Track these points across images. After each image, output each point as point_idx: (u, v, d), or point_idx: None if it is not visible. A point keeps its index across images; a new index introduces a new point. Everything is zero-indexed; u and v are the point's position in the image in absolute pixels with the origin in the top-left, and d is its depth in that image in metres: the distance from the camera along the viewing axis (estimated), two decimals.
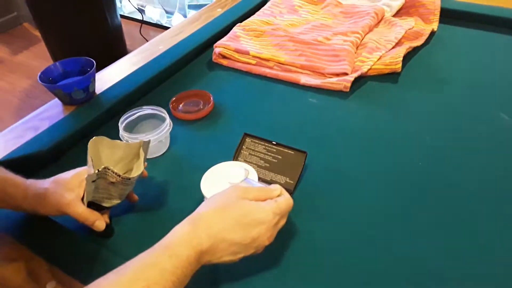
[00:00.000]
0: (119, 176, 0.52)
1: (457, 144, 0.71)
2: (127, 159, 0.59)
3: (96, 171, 0.50)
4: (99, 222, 0.54)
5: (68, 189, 0.54)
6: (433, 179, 0.64)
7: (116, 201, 0.57)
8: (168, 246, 0.43)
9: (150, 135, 0.67)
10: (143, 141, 0.58)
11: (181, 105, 0.83)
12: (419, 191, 0.62)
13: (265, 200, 0.49)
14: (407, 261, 0.53)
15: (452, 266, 0.52)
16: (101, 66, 0.93)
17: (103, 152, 0.57)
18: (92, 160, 0.53)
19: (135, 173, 0.56)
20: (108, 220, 0.57)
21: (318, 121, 0.79)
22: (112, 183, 0.53)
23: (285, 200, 0.50)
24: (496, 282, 0.50)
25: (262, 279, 0.51)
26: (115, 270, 0.40)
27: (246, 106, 0.84)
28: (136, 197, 0.62)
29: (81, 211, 0.53)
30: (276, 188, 0.51)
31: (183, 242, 0.43)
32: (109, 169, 0.51)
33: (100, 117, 0.79)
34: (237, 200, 0.48)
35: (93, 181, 0.51)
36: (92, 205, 0.55)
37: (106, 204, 0.56)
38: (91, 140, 0.54)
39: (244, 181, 0.56)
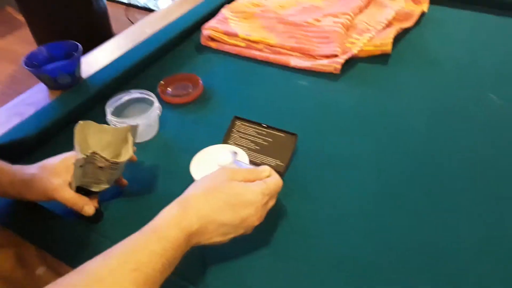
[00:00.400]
0: (107, 160, 0.52)
1: (448, 125, 0.71)
2: (116, 143, 0.58)
3: (84, 156, 0.49)
4: (88, 207, 0.53)
5: (55, 174, 0.54)
6: (424, 160, 0.64)
7: (104, 186, 0.56)
8: (157, 229, 0.43)
9: (138, 119, 0.66)
10: (131, 125, 0.57)
11: (169, 89, 0.82)
12: (410, 172, 0.63)
13: (254, 181, 0.49)
14: (397, 245, 0.53)
15: (444, 251, 0.52)
16: (87, 49, 0.91)
17: (91, 137, 0.56)
18: (79, 145, 0.52)
19: (123, 158, 0.56)
20: (97, 205, 0.56)
21: (309, 103, 0.78)
22: (101, 167, 0.52)
23: (274, 181, 0.50)
24: (496, 277, 0.49)
25: (252, 259, 0.52)
26: (103, 253, 0.40)
27: (236, 89, 0.83)
28: (125, 181, 0.62)
29: (69, 196, 0.53)
30: (265, 169, 0.51)
31: (171, 225, 0.43)
32: (97, 154, 0.50)
33: (87, 102, 0.78)
34: (225, 182, 0.48)
35: (81, 166, 0.50)
36: (81, 190, 0.54)
37: (94, 188, 0.55)
38: (77, 124, 0.53)
39: (234, 163, 0.56)
